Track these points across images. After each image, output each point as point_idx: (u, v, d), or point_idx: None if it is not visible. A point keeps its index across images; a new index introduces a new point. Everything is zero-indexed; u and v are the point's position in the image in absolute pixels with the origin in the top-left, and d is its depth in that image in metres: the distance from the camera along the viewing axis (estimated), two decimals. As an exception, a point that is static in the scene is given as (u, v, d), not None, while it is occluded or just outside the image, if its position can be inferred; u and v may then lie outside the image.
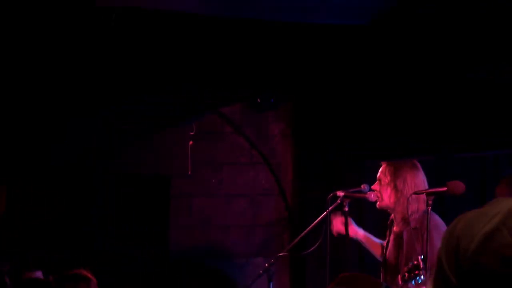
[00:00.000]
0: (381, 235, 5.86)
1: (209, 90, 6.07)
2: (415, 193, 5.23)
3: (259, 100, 7.34)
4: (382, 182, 5.53)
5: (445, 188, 4.99)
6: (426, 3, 3.83)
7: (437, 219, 5.28)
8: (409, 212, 5.29)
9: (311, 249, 5.92)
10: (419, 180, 5.44)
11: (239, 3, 3.51)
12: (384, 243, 5.70)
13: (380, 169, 5.60)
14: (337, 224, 5.75)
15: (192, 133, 6.85)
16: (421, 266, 4.93)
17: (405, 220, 5.41)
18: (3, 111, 6.13)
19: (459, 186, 5.00)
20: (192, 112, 6.58)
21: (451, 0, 3.74)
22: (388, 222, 5.69)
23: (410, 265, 5.04)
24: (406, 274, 5.03)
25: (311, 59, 5.15)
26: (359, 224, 6.35)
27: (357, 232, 5.82)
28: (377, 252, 5.80)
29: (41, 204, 7.11)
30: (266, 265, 6.05)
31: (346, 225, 5.65)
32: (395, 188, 5.45)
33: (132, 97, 6.12)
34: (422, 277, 4.95)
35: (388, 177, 5.50)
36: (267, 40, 4.89)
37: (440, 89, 4.67)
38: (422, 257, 5.00)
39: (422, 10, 3.78)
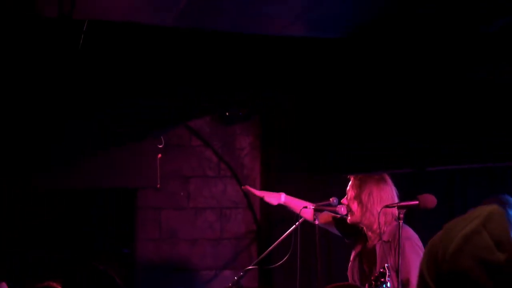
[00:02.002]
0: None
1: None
2: (387, 206, 5.23)
3: (227, 113, 7.35)
4: (349, 196, 5.54)
5: (416, 202, 5.01)
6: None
7: (409, 231, 5.29)
8: (380, 226, 5.31)
9: (280, 262, 5.92)
10: (385, 193, 5.45)
11: (216, 17, 3.53)
12: (353, 254, 5.70)
13: (349, 183, 5.62)
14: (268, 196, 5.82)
15: (160, 146, 6.83)
16: (387, 273, 4.95)
17: (374, 234, 5.43)
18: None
19: (430, 200, 5.02)
20: (162, 123, 6.56)
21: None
22: (354, 231, 5.70)
23: (377, 273, 5.07)
24: (373, 283, 5.06)
25: (292, 71, 5.17)
26: (326, 234, 6.37)
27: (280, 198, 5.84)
28: (305, 214, 5.81)
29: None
30: (235, 278, 6.04)
31: (317, 238, 5.67)
32: (361, 201, 5.46)
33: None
34: (388, 284, 4.98)
35: (355, 191, 5.51)
36: (251, 50, 4.91)
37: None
38: (387, 264, 5.03)
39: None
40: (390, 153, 5.24)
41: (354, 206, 5.49)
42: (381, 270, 4.98)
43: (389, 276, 4.97)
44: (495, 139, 4.17)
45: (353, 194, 5.51)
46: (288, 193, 7.41)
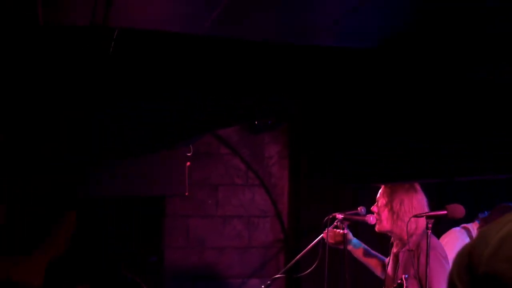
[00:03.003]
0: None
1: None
2: (415, 216, 5.23)
3: (256, 122, 7.37)
4: (380, 204, 5.54)
5: (445, 212, 4.99)
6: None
7: (434, 241, 5.30)
8: (408, 234, 5.30)
9: (308, 271, 5.92)
10: (416, 201, 5.45)
11: (249, 26, 3.55)
12: (386, 261, 5.72)
13: (379, 191, 5.62)
14: (331, 237, 5.77)
15: (189, 154, 6.86)
16: (405, 285, 4.96)
17: (403, 242, 5.43)
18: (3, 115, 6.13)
19: (459, 210, 5.00)
20: (190, 132, 6.58)
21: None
22: (390, 242, 5.71)
23: (395, 285, 5.08)
24: None
25: (310, 79, 5.18)
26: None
27: (355, 248, 5.83)
28: (376, 269, 5.82)
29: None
30: (262, 287, 6.04)
31: (345, 247, 5.67)
32: (392, 210, 5.46)
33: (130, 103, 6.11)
34: None
35: (385, 199, 5.51)
36: (267, 57, 4.92)
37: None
38: (406, 275, 5.03)
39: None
40: (418, 163, 5.23)
41: (385, 214, 5.49)
42: (399, 281, 5.00)
43: (406, 287, 4.99)
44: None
45: (384, 202, 5.51)
46: (317, 201, 7.44)
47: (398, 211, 5.43)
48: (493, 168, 4.54)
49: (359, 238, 6.88)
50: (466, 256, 1.70)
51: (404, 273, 5.24)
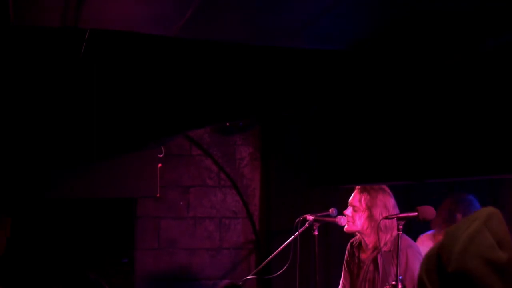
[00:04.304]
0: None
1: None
2: (386, 217, 5.26)
3: (227, 123, 7.36)
4: (356, 209, 5.52)
5: (415, 213, 5.03)
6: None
7: (410, 240, 5.34)
8: (382, 238, 5.33)
9: (279, 272, 5.94)
10: (390, 205, 5.47)
11: (222, 28, 3.56)
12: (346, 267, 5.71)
13: (353, 195, 5.60)
14: None
15: (160, 156, 6.85)
16: (399, 287, 4.97)
17: (375, 245, 5.44)
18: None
19: (429, 211, 5.04)
20: (161, 133, 6.56)
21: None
22: (348, 247, 5.71)
23: (388, 286, 5.09)
24: None
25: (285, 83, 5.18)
26: (325, 245, 6.36)
27: None
28: None
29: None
30: (234, 288, 6.05)
31: (316, 250, 5.68)
32: (371, 215, 5.46)
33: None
34: None
35: (363, 204, 5.50)
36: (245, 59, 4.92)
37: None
38: (401, 277, 5.05)
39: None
40: (388, 164, 5.25)
41: (361, 219, 5.49)
42: (393, 283, 5.00)
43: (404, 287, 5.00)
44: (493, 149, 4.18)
45: (362, 207, 5.50)
46: (288, 203, 7.44)
47: (377, 214, 5.44)
48: (479, 169, 4.57)
49: (329, 240, 6.91)
50: (434, 256, 1.72)
51: (385, 275, 5.26)
